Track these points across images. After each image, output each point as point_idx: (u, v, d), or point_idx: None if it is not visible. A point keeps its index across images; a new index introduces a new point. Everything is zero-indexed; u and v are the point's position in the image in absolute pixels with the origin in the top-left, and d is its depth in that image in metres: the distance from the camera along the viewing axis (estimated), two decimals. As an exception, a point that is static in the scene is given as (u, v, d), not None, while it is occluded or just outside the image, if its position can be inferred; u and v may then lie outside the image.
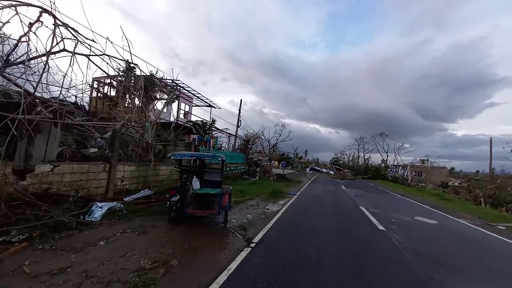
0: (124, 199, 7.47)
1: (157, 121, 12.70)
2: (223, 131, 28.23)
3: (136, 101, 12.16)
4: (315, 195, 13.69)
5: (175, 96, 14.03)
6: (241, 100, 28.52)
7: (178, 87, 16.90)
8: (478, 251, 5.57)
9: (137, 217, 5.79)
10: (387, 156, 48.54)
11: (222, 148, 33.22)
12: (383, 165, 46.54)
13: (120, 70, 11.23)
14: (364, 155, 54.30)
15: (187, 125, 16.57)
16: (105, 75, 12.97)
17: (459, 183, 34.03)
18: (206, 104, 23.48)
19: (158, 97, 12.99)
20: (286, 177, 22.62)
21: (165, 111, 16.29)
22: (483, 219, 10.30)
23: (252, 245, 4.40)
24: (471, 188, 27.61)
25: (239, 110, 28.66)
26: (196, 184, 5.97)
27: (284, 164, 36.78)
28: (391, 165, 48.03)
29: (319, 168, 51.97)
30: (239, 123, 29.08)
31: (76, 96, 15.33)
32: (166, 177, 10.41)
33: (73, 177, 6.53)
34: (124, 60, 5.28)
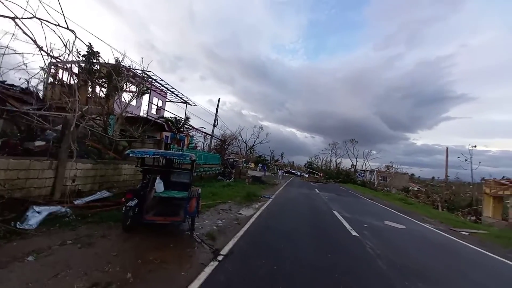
0: (74, 202, 6.42)
1: (123, 114, 11.50)
2: (198, 129, 27.10)
3: (98, 91, 10.88)
4: (290, 198, 13.53)
5: (145, 89, 12.87)
6: (219, 98, 27.72)
7: (149, 79, 15.68)
8: (449, 259, 5.65)
9: (85, 225, 4.89)
10: (357, 161, 51.21)
11: (198, 148, 31.95)
12: (352, 169, 48.89)
13: (80, 55, 9.94)
14: (336, 160, 56.63)
15: (158, 121, 15.40)
16: (64, 59, 11.48)
17: (417, 188, 37.05)
18: (182, 100, 22.29)
19: (125, 88, 11.78)
20: (261, 179, 22.32)
21: (133, 104, 14.98)
22: (446, 224, 10.95)
23: (220, 258, 3.86)
24: (429, 193, 30.18)
25: (217, 108, 27.80)
26: (159, 186, 5.26)
27: (264, 167, 36.60)
28: (360, 170, 50.67)
29: (294, 171, 52.83)
30: (216, 122, 28.22)
31: (28, 82, 13.38)
32: (129, 177, 9.37)
33: (8, 175, 5.39)
34: (56, 25, 4.39)
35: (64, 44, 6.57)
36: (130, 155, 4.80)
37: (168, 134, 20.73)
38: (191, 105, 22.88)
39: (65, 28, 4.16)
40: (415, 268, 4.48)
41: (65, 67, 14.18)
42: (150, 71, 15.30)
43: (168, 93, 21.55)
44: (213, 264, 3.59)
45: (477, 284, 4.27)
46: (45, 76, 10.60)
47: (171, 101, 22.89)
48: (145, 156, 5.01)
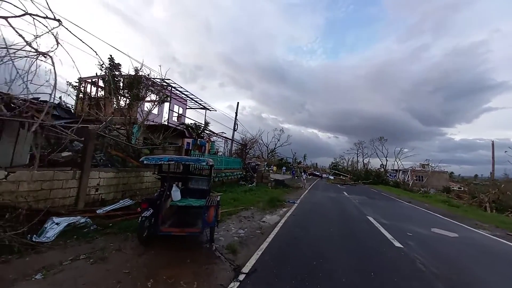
0: (97, 211, 6.37)
1: (144, 123, 11.67)
2: (218, 134, 27.23)
3: (121, 101, 11.15)
4: (317, 203, 12.61)
5: (165, 96, 13.03)
6: (237, 102, 27.68)
7: (169, 87, 15.96)
8: None
9: (103, 236, 4.70)
10: (387, 160, 47.62)
11: (219, 153, 32.15)
12: (382, 170, 45.54)
13: (102, 67, 10.28)
14: (363, 160, 53.38)
15: (178, 128, 15.55)
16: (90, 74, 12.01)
17: (459, 188, 33.19)
18: (201, 106, 22.54)
19: (145, 96, 11.99)
20: (285, 183, 21.52)
21: (155, 112, 15.31)
22: (502, 228, 9.27)
23: (241, 277, 3.32)
24: (476, 193, 26.78)
25: (236, 112, 27.76)
26: (176, 194, 4.92)
27: (293, 171, 35.58)
28: (391, 169, 47.04)
29: (318, 173, 50.84)
30: (236, 127, 28.16)
31: (60, 98, 14.22)
32: (151, 184, 9.32)
33: (33, 186, 5.46)
34: (45, 18, 4.22)
35: (99, 63, 6.68)
36: (145, 162, 4.53)
37: (190, 140, 21.02)
38: (210, 110, 23.07)
39: (34, 15, 4.03)
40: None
41: (91, 81, 15.02)
42: (169, 79, 15.59)
43: (188, 100, 21.94)
44: (233, 286, 3.06)
45: None
46: (74, 90, 11.16)
47: (191, 108, 23.27)
48: (160, 162, 4.71)
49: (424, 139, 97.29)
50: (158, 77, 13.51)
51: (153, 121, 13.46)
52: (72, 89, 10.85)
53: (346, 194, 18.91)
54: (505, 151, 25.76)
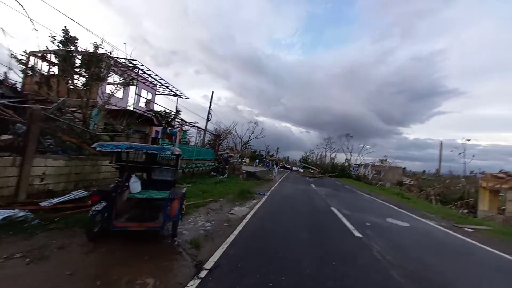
0: (41, 204, 5.61)
1: (106, 106, 10.57)
2: (191, 124, 26.18)
3: (78, 81, 9.89)
4: (286, 195, 12.92)
5: (130, 79, 11.90)
6: (212, 92, 26.78)
7: (136, 69, 14.68)
8: (468, 266, 4.98)
9: (46, 231, 4.12)
10: (351, 156, 50.96)
11: (191, 143, 31.05)
12: (346, 164, 48.77)
13: (54, 39, 8.91)
14: (330, 155, 56.30)
15: (146, 114, 14.45)
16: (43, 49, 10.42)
17: (409, 182, 37.16)
18: (173, 93, 21.27)
19: (107, 77, 10.80)
20: (256, 175, 21.68)
21: (119, 96, 14.00)
22: (447, 219, 10.52)
23: (203, 274, 3.16)
24: (423, 186, 30.23)
25: (210, 102, 26.93)
26: (135, 185, 4.51)
27: (268, 164, 35.88)
28: (354, 164, 50.54)
29: (289, 166, 52.40)
30: (210, 117, 27.36)
31: (5, 74, 12.17)
32: (110, 174, 8.54)
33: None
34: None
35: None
36: (98, 148, 4.01)
37: (159, 129, 19.82)
38: (182, 98, 21.92)
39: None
40: (435, 279, 3.88)
41: (41, 55, 13.04)
42: (135, 60, 14.30)
43: (158, 86, 20.51)
44: (193, 284, 2.88)
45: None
46: (19, 64, 9.57)
47: (161, 94, 21.84)
48: (116, 150, 4.23)
49: (384, 137, 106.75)
50: (124, 57, 12.28)
51: (116, 106, 12.24)
52: (16, 63, 9.20)
53: (313, 186, 19.76)
54: (451, 151, 29.45)
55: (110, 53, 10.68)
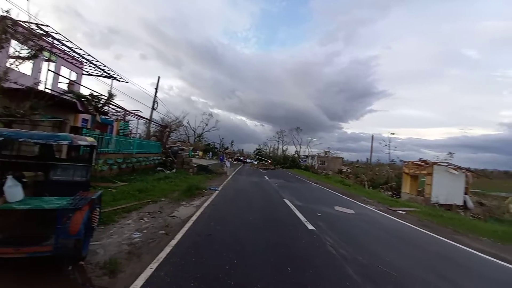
0: None
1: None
2: (131, 112, 22.93)
3: None
4: (239, 188, 12.31)
5: (37, 49, 9.08)
6: (159, 77, 23.86)
7: (50, 39, 11.57)
8: (409, 250, 5.23)
9: None
10: (300, 147, 54.50)
11: (132, 135, 27.40)
12: (296, 155, 51.91)
13: None
14: (282, 147, 58.73)
15: (65, 97, 11.50)
16: None
17: (346, 170, 42.06)
18: (106, 74, 17.86)
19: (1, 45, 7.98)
20: (208, 168, 20.46)
21: (27, 72, 10.84)
22: (383, 203, 11.67)
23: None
24: (358, 174, 34.46)
25: (156, 89, 24.01)
26: (13, 191, 3.04)
27: (222, 157, 34.38)
28: (303, 155, 54.17)
29: (243, 159, 52.32)
30: (156, 105, 24.45)
31: None
32: None
33: None
34: None
35: None
36: None
37: (89, 117, 16.53)
38: (119, 81, 18.70)
39: None
40: (387, 269, 3.78)
41: None
42: (48, 26, 11.18)
43: (86, 64, 16.92)
44: None
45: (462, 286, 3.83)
46: None
47: (89, 75, 18.13)
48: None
49: (328, 131, 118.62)
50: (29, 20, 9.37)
51: (17, 83, 9.23)
52: None
53: (267, 178, 19.79)
54: (380, 143, 34.26)
55: (8, 12, 7.94)
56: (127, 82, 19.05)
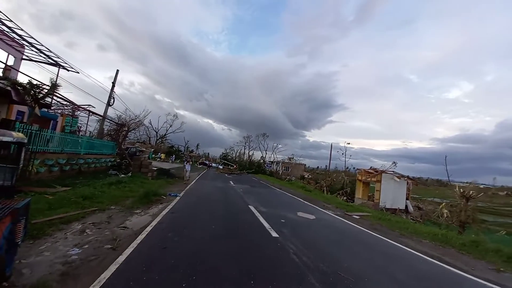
0: None
1: None
2: (81, 107, 20.42)
3: None
4: (202, 195, 11.76)
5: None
6: (117, 70, 21.68)
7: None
8: (366, 252, 5.55)
9: None
10: (266, 153, 55.57)
11: (81, 133, 24.31)
12: (262, 161, 52.76)
13: None
14: (249, 152, 58.99)
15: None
16: None
17: (307, 176, 44.47)
18: (51, 61, 15.54)
19: None
20: (170, 172, 19.25)
21: None
22: (340, 208, 12.39)
23: None
24: (318, 179, 36.67)
25: (113, 83, 21.77)
26: None
27: (186, 160, 32.64)
28: (268, 161, 55.31)
29: (208, 163, 50.85)
30: (112, 101, 22.14)
31: None
32: None
33: None
34: None
35: None
36: None
37: (26, 108, 14.16)
38: (68, 70, 16.44)
39: None
40: (348, 275, 3.89)
41: None
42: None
43: (26, 48, 14.50)
44: None
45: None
46: None
47: (32, 60, 15.57)
48: None
49: (293, 138, 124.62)
50: None
51: None
52: None
53: (232, 183, 19.46)
54: (337, 151, 37.19)
55: None
56: (78, 73, 16.91)
